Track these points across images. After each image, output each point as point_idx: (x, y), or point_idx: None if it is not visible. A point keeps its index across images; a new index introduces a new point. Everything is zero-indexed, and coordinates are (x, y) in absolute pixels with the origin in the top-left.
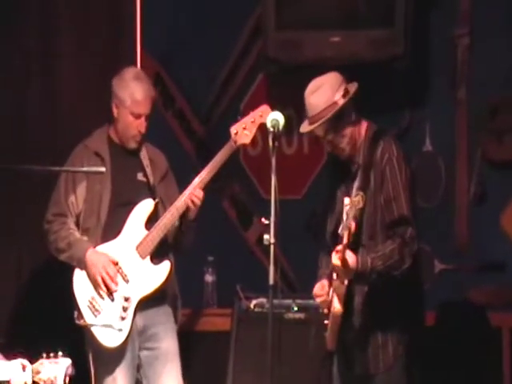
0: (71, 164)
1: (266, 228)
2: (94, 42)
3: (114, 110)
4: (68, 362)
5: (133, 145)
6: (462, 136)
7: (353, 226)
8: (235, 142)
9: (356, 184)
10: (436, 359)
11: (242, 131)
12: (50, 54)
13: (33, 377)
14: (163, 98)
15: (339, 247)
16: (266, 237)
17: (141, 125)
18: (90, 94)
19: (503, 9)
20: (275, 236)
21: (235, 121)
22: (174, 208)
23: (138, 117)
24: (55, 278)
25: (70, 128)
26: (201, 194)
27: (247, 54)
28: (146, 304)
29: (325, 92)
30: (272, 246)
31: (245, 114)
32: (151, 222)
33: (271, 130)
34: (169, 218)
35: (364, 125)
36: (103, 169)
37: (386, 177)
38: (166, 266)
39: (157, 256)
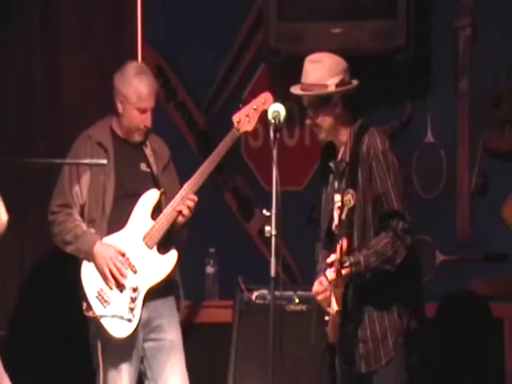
0: (74, 154)
1: (268, 219)
2: (95, 35)
3: (119, 106)
4: None
5: (138, 138)
6: (464, 127)
7: (345, 243)
8: (238, 130)
9: (345, 182)
10: (437, 350)
11: (245, 119)
12: (52, 48)
13: None
14: (165, 90)
15: (332, 258)
16: (267, 228)
17: (146, 119)
18: (92, 87)
19: None
20: (277, 227)
21: (237, 109)
22: (179, 197)
23: (143, 111)
24: (58, 271)
25: (72, 123)
26: (195, 199)
27: (249, 45)
28: (152, 295)
29: (321, 69)
30: (273, 238)
31: (247, 102)
32: (156, 212)
33: (272, 121)
34: (175, 207)
35: (352, 124)
36: (105, 161)
37: (373, 172)
38: (173, 256)
39: (163, 246)
